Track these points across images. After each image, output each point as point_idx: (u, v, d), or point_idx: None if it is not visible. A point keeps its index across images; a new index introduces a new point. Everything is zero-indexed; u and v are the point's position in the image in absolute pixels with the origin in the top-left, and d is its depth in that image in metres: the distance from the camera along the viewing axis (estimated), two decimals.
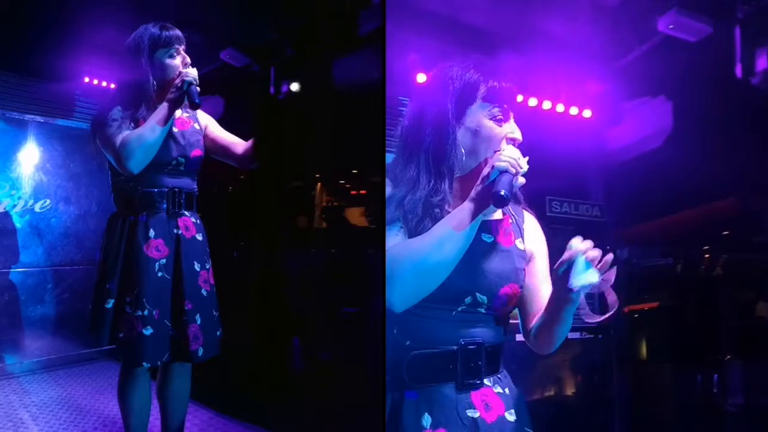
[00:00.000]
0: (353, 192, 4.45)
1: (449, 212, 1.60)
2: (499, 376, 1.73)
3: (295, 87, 3.92)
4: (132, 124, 2.57)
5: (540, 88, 4.21)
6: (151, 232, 2.60)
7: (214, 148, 2.86)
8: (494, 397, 1.67)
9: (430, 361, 1.61)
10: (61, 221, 4.77)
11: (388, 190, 1.66)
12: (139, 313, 2.53)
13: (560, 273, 1.51)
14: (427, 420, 1.59)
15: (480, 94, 1.67)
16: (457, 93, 1.67)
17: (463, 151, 1.66)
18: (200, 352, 2.67)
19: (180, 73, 2.61)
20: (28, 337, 4.57)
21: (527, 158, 1.61)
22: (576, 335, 4.38)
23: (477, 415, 1.62)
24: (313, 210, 4.19)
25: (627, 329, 4.57)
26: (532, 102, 4.21)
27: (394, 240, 1.56)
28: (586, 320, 1.59)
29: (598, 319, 1.58)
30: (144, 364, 2.57)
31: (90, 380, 4.37)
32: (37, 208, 4.63)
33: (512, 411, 1.69)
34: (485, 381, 1.67)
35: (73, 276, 4.76)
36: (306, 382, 3.88)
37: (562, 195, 4.36)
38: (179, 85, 2.57)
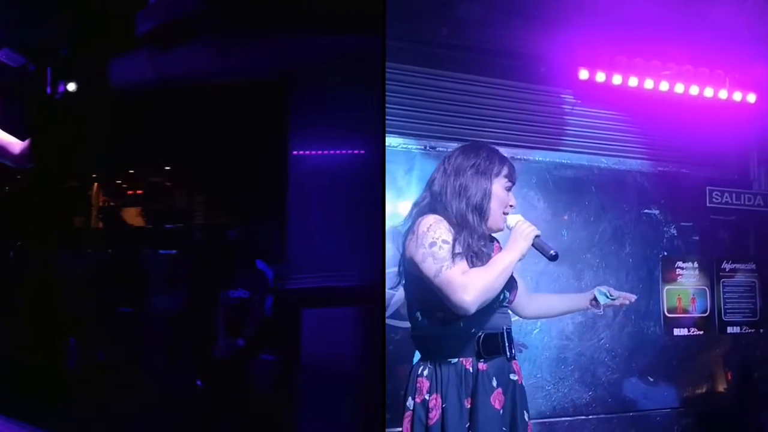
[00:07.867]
0: (130, 192, 4.50)
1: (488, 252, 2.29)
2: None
3: (71, 87, 3.92)
4: None
5: (700, 75, 4.11)
6: None
7: None
8: (518, 366, 2.34)
9: (493, 339, 2.25)
10: None
11: (453, 233, 2.24)
12: None
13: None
14: (495, 382, 2.22)
15: (503, 172, 2.33)
16: (490, 171, 2.31)
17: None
18: None
19: None
20: None
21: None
22: (736, 329, 4.30)
23: (515, 378, 2.29)
24: (89, 210, 4.20)
25: None
26: (694, 90, 4.10)
27: (463, 266, 2.17)
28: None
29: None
30: None
31: None
32: None
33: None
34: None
35: None
36: (81, 381, 3.89)
37: (724, 185, 4.33)
38: None
